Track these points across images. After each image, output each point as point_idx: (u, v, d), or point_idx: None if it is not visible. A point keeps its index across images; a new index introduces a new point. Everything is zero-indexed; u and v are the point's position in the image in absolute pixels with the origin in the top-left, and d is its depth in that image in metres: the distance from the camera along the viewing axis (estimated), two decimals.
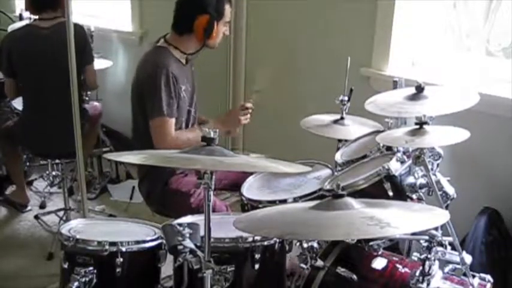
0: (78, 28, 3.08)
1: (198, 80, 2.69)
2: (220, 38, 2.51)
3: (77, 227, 1.95)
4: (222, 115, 2.66)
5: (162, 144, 2.34)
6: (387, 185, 1.87)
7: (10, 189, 3.69)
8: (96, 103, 3.63)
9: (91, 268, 1.75)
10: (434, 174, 1.94)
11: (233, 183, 2.49)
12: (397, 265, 1.89)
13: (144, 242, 1.84)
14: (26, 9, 3.22)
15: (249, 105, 2.55)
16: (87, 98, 3.54)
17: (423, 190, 1.95)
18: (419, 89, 2.08)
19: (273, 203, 2.08)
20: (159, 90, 2.34)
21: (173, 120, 2.39)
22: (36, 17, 3.17)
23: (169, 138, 2.35)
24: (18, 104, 3.48)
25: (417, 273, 1.75)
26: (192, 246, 1.51)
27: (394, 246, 2.11)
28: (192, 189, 2.41)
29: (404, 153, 1.98)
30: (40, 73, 3.06)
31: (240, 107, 2.58)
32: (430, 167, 1.86)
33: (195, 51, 2.49)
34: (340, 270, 1.82)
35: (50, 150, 3.21)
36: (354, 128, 2.47)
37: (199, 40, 2.44)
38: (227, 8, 2.46)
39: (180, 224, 1.60)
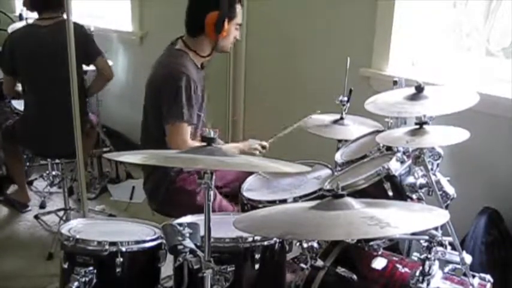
0: (75, 26, 3.08)
1: None
2: (232, 41, 2.50)
3: (77, 227, 1.94)
4: (241, 143, 2.65)
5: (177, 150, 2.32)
6: (387, 185, 1.88)
7: (11, 189, 3.69)
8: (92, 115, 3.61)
9: (91, 268, 1.75)
10: (434, 174, 1.95)
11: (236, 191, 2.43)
12: (397, 265, 1.89)
13: (144, 242, 1.84)
14: (24, 5, 3.21)
15: (267, 146, 2.60)
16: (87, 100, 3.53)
17: (423, 190, 1.95)
18: (419, 89, 2.08)
19: (273, 203, 2.08)
20: (180, 95, 2.31)
21: (189, 128, 2.37)
22: (36, 16, 3.17)
23: (184, 145, 2.32)
24: (18, 104, 3.49)
25: (417, 273, 1.75)
26: (192, 246, 1.51)
27: (394, 246, 2.12)
28: (197, 188, 2.40)
29: (404, 153, 1.98)
30: (41, 72, 3.06)
31: (260, 144, 2.60)
32: (430, 167, 1.87)
33: (210, 52, 2.47)
34: (340, 270, 1.82)
35: (50, 150, 3.21)
36: (354, 128, 2.47)
37: (211, 38, 2.41)
38: (238, 8, 2.44)
39: (180, 224, 1.60)
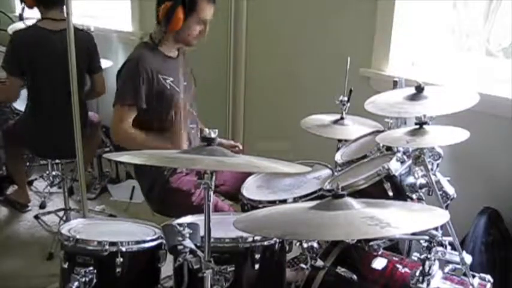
0: (87, 36, 3.13)
1: (198, 81, 2.70)
2: (195, 36, 2.47)
3: (77, 227, 1.95)
4: None
5: (113, 132, 2.46)
6: (387, 185, 1.88)
7: (11, 189, 3.69)
8: (93, 113, 3.60)
9: (91, 268, 1.75)
10: (434, 174, 1.95)
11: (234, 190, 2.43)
12: (397, 265, 1.89)
13: (144, 242, 1.84)
14: (22, 2, 3.14)
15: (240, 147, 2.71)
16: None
17: (423, 190, 1.95)
18: (419, 89, 2.08)
19: (273, 203, 2.08)
20: (120, 81, 2.43)
21: (126, 109, 2.41)
22: (35, 12, 3.13)
23: (119, 126, 2.41)
24: (18, 104, 3.48)
25: (417, 273, 1.75)
26: (192, 246, 1.51)
27: (394, 246, 2.12)
28: (193, 188, 2.41)
29: (404, 153, 1.98)
30: (47, 75, 3.02)
31: (231, 145, 2.69)
32: (430, 167, 1.86)
33: (160, 38, 2.49)
34: (340, 270, 1.83)
35: (52, 151, 3.20)
36: (354, 128, 2.47)
37: (162, 27, 2.44)
38: (203, 4, 2.42)
39: (180, 224, 1.60)
